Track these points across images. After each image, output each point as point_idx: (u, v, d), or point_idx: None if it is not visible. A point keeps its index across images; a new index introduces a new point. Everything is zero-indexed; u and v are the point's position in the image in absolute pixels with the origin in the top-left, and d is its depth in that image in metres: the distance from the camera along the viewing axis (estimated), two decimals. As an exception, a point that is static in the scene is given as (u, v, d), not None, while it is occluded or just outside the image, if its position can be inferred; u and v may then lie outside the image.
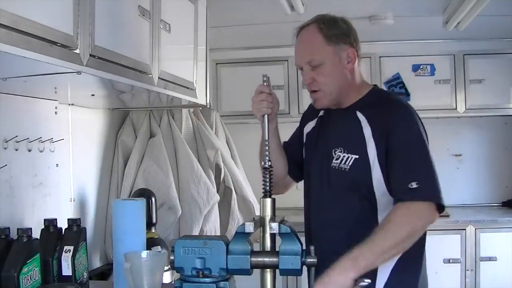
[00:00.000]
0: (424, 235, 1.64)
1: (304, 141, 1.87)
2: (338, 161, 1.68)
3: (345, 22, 1.71)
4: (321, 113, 1.83)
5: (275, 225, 1.44)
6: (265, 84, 1.66)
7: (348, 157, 1.66)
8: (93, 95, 2.09)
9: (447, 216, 3.30)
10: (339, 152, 1.68)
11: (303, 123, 1.90)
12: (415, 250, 1.59)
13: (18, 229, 1.50)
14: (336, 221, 1.70)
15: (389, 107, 1.67)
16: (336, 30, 1.68)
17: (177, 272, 1.45)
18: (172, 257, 1.46)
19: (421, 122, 1.67)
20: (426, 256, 1.73)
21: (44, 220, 1.66)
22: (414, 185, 1.52)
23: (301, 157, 1.88)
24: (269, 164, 1.53)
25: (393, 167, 1.59)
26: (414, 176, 1.54)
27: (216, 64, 3.57)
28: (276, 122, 1.78)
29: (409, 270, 1.66)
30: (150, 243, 1.85)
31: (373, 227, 1.54)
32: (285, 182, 1.92)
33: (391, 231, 1.50)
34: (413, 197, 1.53)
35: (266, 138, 1.54)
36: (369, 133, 1.64)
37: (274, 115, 1.73)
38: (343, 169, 1.67)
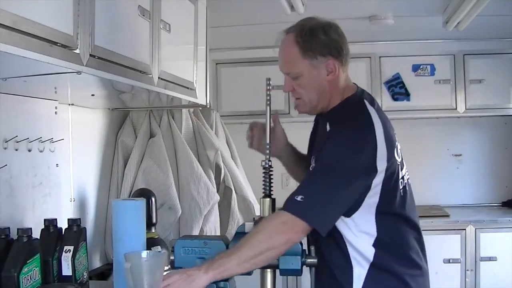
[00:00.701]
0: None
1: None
2: (311, 168, 1.68)
3: (325, 32, 1.63)
4: (316, 121, 1.84)
5: (275, 225, 1.44)
6: (267, 87, 1.65)
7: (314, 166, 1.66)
8: (93, 95, 2.09)
9: (447, 216, 3.31)
10: (313, 159, 1.69)
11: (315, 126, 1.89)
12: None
13: (18, 229, 1.50)
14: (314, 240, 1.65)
15: (340, 124, 1.61)
16: (313, 43, 1.62)
17: (177, 272, 1.45)
18: (172, 257, 1.46)
19: (373, 148, 1.54)
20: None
21: (44, 220, 1.66)
22: (299, 198, 1.48)
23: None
24: (269, 164, 1.54)
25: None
26: (305, 191, 1.50)
27: (216, 64, 3.57)
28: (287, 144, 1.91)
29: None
30: (150, 243, 1.85)
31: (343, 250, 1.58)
32: None
33: (255, 241, 1.45)
34: (289, 208, 1.48)
35: (268, 140, 1.54)
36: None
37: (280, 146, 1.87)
38: None
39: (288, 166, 1.98)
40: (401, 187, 1.62)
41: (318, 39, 1.62)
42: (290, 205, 1.48)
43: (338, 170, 1.52)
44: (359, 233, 1.57)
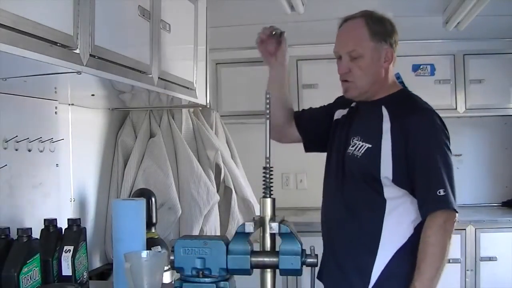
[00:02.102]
0: None
1: (332, 126, 1.95)
2: (353, 148, 1.77)
3: (391, 23, 1.81)
4: (353, 104, 1.90)
5: (275, 225, 1.44)
6: (267, 101, 1.63)
7: (362, 145, 1.75)
8: (93, 95, 2.09)
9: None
10: (356, 140, 1.78)
11: (334, 107, 1.98)
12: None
13: (18, 229, 1.50)
14: (347, 205, 1.79)
15: (413, 109, 1.76)
16: (381, 29, 1.77)
17: (177, 272, 1.45)
18: (172, 257, 1.46)
19: (444, 129, 1.75)
20: None
21: (44, 220, 1.66)
22: (442, 192, 1.64)
23: (321, 133, 1.98)
24: (269, 164, 1.53)
25: (417, 175, 1.69)
26: (442, 183, 1.65)
27: (216, 64, 3.57)
28: (284, 62, 1.99)
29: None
30: (150, 243, 1.85)
31: (380, 217, 1.71)
32: (285, 131, 2.04)
33: (433, 255, 1.65)
34: (442, 206, 1.65)
35: (268, 143, 1.53)
36: (388, 128, 1.72)
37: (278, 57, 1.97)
38: (355, 155, 1.76)
39: (273, 83, 2.03)
40: None
41: (385, 26, 1.79)
42: (440, 203, 1.65)
43: (444, 151, 1.70)
44: (415, 211, 1.72)
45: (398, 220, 1.73)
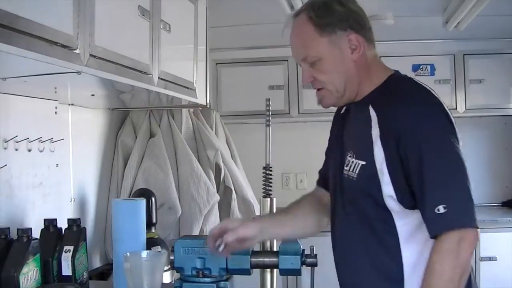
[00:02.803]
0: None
1: (327, 145, 1.64)
2: (348, 168, 1.43)
3: (341, 3, 1.42)
4: (342, 110, 1.57)
5: (275, 225, 1.44)
6: (267, 108, 1.49)
7: (356, 163, 1.40)
8: (93, 95, 2.09)
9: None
10: (349, 157, 1.44)
11: (332, 125, 1.64)
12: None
13: (18, 229, 1.50)
14: (350, 235, 1.46)
15: (402, 102, 1.37)
16: (329, 17, 1.41)
17: (177, 272, 1.45)
18: (172, 257, 1.46)
19: (448, 118, 1.38)
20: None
21: (44, 220, 1.66)
22: (441, 209, 1.25)
23: None
24: (269, 164, 1.54)
25: (414, 186, 1.31)
26: (440, 197, 1.27)
27: (216, 64, 3.57)
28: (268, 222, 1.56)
29: None
30: (150, 243, 1.85)
31: (392, 246, 1.36)
32: (324, 209, 1.62)
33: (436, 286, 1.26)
34: (444, 227, 1.26)
35: (268, 144, 1.53)
36: (377, 134, 1.35)
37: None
38: (351, 177, 1.42)
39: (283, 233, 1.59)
40: None
41: (334, 11, 1.42)
42: (441, 223, 1.26)
43: (447, 150, 1.32)
44: None
45: (418, 249, 1.35)
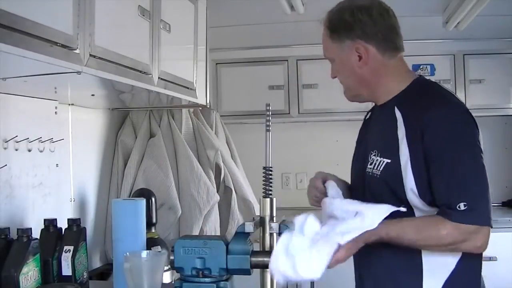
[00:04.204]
0: (479, 264, 1.51)
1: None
2: (372, 166, 1.51)
3: (352, 13, 1.51)
4: (368, 115, 1.69)
5: (275, 225, 1.44)
6: (267, 113, 1.48)
7: (381, 161, 1.48)
8: (93, 95, 2.09)
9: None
10: (374, 155, 1.51)
11: (360, 129, 1.74)
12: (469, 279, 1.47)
13: (18, 229, 1.50)
14: None
15: (427, 103, 1.44)
16: (339, 26, 1.53)
17: (177, 272, 1.45)
18: (172, 257, 1.46)
19: (474, 122, 1.45)
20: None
21: (44, 220, 1.66)
22: (462, 206, 1.33)
23: None
24: (269, 164, 1.53)
25: (434, 182, 1.39)
26: (462, 195, 1.35)
27: (216, 64, 3.57)
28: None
29: None
30: (150, 243, 1.85)
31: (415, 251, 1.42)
32: None
33: (430, 239, 1.37)
34: (462, 221, 1.34)
35: (268, 144, 1.52)
36: (403, 134, 1.43)
37: None
38: (375, 175, 1.49)
39: None
40: None
41: (342, 20, 1.53)
42: (459, 217, 1.34)
43: (469, 152, 1.39)
44: None
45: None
